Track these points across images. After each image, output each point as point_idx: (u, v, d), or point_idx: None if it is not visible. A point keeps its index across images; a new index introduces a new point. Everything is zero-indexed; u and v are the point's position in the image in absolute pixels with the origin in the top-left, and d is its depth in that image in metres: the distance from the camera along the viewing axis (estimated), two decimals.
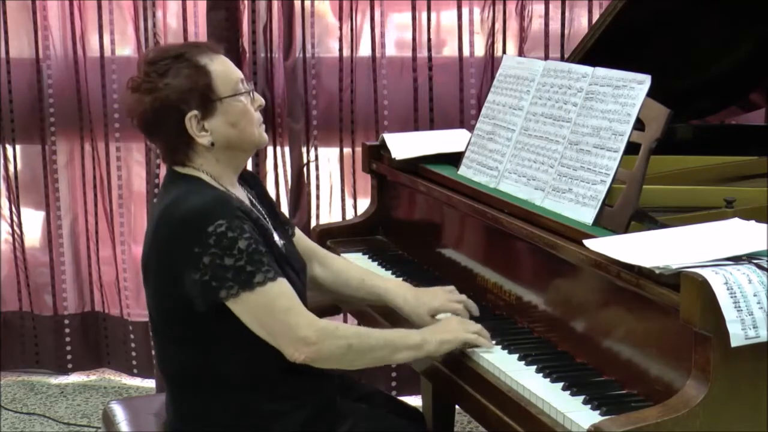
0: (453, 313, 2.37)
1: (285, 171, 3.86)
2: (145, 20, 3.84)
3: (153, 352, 3.96)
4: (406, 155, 2.92)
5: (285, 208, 3.85)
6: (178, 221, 2.11)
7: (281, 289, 2.11)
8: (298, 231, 2.52)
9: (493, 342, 2.28)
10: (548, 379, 2.07)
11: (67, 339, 4.15)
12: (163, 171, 3.92)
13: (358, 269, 2.60)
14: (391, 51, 3.81)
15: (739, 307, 1.76)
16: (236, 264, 2.06)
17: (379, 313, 2.63)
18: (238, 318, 2.10)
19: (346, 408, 2.30)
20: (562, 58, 3.49)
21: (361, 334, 2.19)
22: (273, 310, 2.09)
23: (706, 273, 1.78)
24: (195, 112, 2.16)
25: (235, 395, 2.17)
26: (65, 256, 4.12)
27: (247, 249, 2.07)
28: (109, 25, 3.94)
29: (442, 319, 2.34)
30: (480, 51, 3.76)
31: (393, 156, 2.94)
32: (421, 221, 2.97)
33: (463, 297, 2.41)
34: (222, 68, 2.20)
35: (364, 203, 3.37)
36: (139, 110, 2.19)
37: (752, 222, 2.05)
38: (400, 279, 2.71)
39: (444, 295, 2.42)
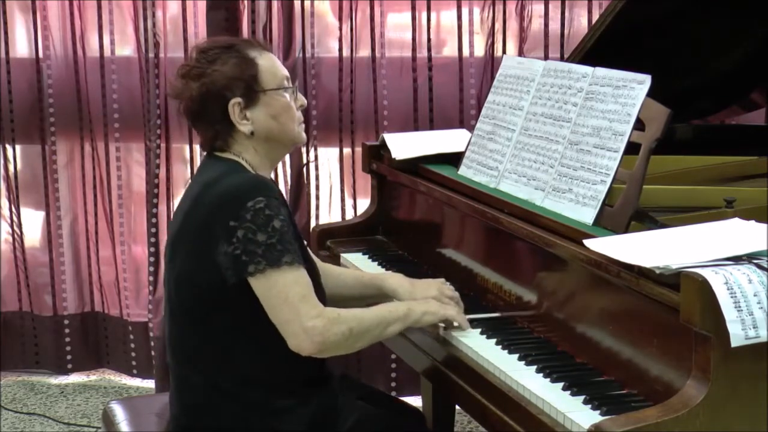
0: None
1: (285, 171, 3.86)
2: (145, 20, 3.84)
3: (153, 353, 3.97)
4: (406, 155, 2.92)
5: None
6: (219, 194, 2.16)
7: (302, 276, 2.15)
8: None
9: (493, 342, 2.28)
10: (548, 379, 2.07)
11: (67, 339, 4.14)
12: (162, 171, 3.93)
13: (349, 270, 2.65)
14: (390, 51, 3.81)
15: (740, 307, 1.76)
16: (268, 241, 2.11)
17: None
18: (260, 311, 2.13)
19: (347, 407, 2.31)
20: (561, 58, 3.49)
21: (359, 317, 2.22)
22: (289, 294, 2.12)
23: (706, 273, 1.78)
24: (238, 99, 2.24)
25: (245, 390, 2.18)
26: (65, 256, 4.12)
27: (280, 229, 2.12)
28: (109, 25, 3.94)
29: (425, 297, 2.39)
30: (480, 51, 3.76)
31: (393, 156, 2.94)
32: (421, 221, 2.97)
33: (456, 294, 2.44)
34: (270, 63, 2.29)
35: (364, 203, 3.37)
36: (186, 95, 2.26)
37: (752, 222, 2.05)
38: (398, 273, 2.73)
39: (437, 285, 2.46)
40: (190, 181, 2.41)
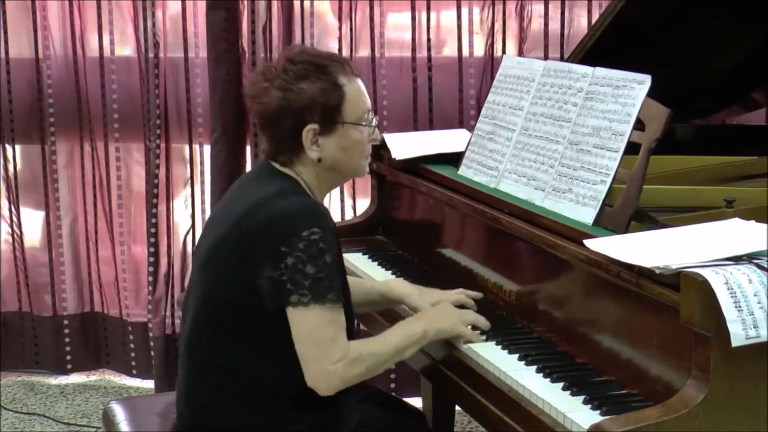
0: (458, 302, 2.41)
1: None
2: (145, 20, 3.84)
3: (152, 353, 3.97)
4: (406, 155, 2.92)
5: None
6: (274, 216, 2.11)
7: (338, 316, 2.13)
8: None
9: (493, 342, 2.28)
10: (548, 379, 2.07)
11: (67, 339, 4.14)
12: (162, 171, 3.92)
13: (353, 278, 2.62)
14: (390, 51, 3.81)
15: (740, 306, 1.76)
16: (317, 275, 2.07)
17: (383, 316, 2.63)
18: (285, 332, 2.11)
19: (349, 408, 2.31)
20: (561, 58, 3.49)
21: (375, 353, 2.19)
22: (320, 333, 2.10)
23: (706, 273, 1.78)
24: (315, 126, 2.19)
25: (252, 396, 2.18)
26: (65, 257, 4.11)
27: (330, 264, 2.09)
28: (108, 25, 3.94)
29: (439, 306, 2.37)
30: (479, 51, 3.76)
31: (393, 156, 2.94)
32: (421, 221, 2.97)
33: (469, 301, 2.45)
34: (356, 94, 2.24)
35: (363, 203, 3.37)
36: (264, 100, 2.21)
37: (752, 222, 2.05)
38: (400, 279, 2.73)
39: (442, 292, 2.46)
40: (238, 181, 2.35)
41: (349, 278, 2.59)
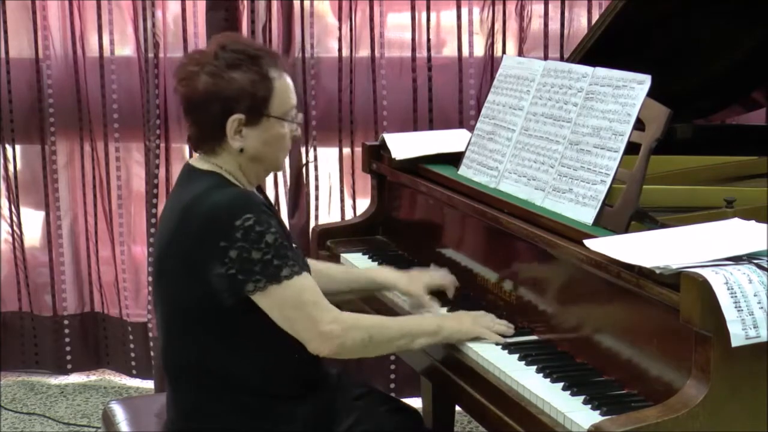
0: (444, 286, 2.50)
1: (284, 171, 3.86)
2: (145, 20, 3.84)
3: (152, 353, 3.97)
4: (406, 155, 2.93)
5: (284, 209, 3.85)
6: (204, 216, 2.12)
7: (306, 282, 2.14)
8: None
9: (493, 342, 2.28)
10: (548, 379, 2.07)
11: (67, 339, 4.14)
12: (162, 172, 3.92)
13: (337, 265, 2.64)
14: (390, 51, 3.81)
15: (740, 306, 1.76)
16: (264, 257, 2.09)
17: (374, 309, 2.63)
18: (259, 318, 2.12)
19: (345, 407, 2.31)
20: (561, 58, 3.49)
21: (380, 325, 2.22)
22: (299, 303, 2.12)
23: (706, 273, 1.78)
24: (241, 116, 2.19)
25: (241, 395, 2.18)
26: (65, 257, 4.11)
27: (274, 243, 2.10)
28: (108, 25, 3.94)
29: (457, 312, 2.40)
30: (479, 51, 3.76)
31: (393, 156, 2.94)
32: (421, 221, 2.97)
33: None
34: (284, 89, 2.24)
35: (363, 203, 3.37)
36: (192, 84, 2.20)
37: (752, 222, 2.05)
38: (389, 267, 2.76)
39: (433, 271, 2.53)
40: (171, 192, 2.37)
41: (334, 266, 2.62)
